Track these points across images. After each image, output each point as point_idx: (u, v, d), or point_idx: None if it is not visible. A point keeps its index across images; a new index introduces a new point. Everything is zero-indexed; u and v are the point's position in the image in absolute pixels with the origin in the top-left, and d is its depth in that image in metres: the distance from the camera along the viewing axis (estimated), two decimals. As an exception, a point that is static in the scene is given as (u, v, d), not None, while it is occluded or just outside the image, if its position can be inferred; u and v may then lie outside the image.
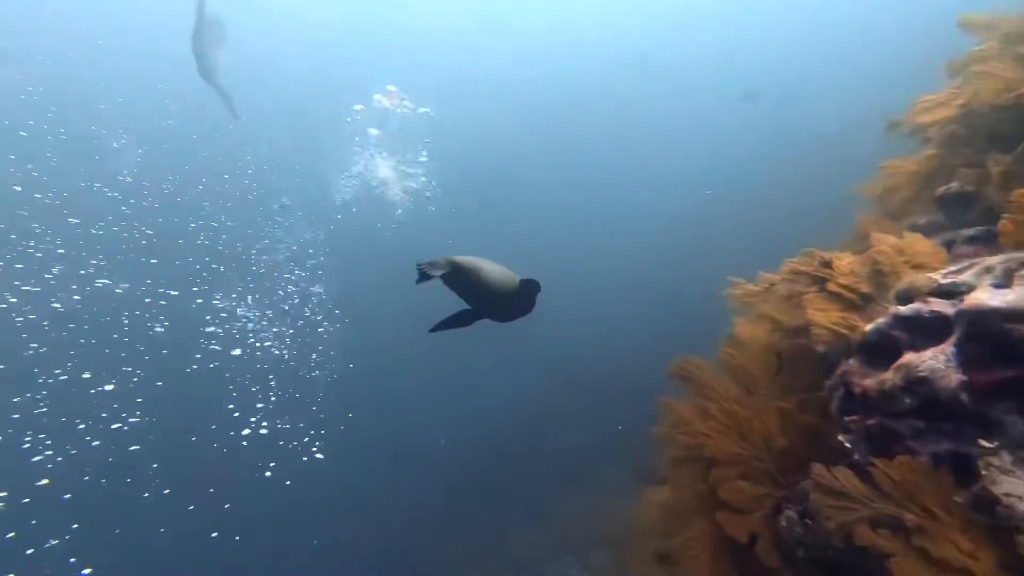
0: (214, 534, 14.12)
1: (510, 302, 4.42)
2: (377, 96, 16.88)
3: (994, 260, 2.45)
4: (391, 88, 17.11)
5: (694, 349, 3.65)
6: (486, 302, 4.40)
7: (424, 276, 3.94)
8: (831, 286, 3.00)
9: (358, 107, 16.56)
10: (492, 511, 12.10)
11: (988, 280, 2.39)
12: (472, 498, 12.84)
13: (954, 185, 4.02)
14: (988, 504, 2.05)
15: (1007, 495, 2.01)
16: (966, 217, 4.08)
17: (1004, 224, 2.65)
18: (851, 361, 2.86)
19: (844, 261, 3.02)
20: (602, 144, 27.88)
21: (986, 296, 2.29)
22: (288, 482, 16.08)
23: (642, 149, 27.72)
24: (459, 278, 4.16)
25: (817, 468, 2.49)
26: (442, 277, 4.06)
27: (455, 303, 4.96)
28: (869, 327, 2.76)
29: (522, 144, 28.01)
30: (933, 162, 4.22)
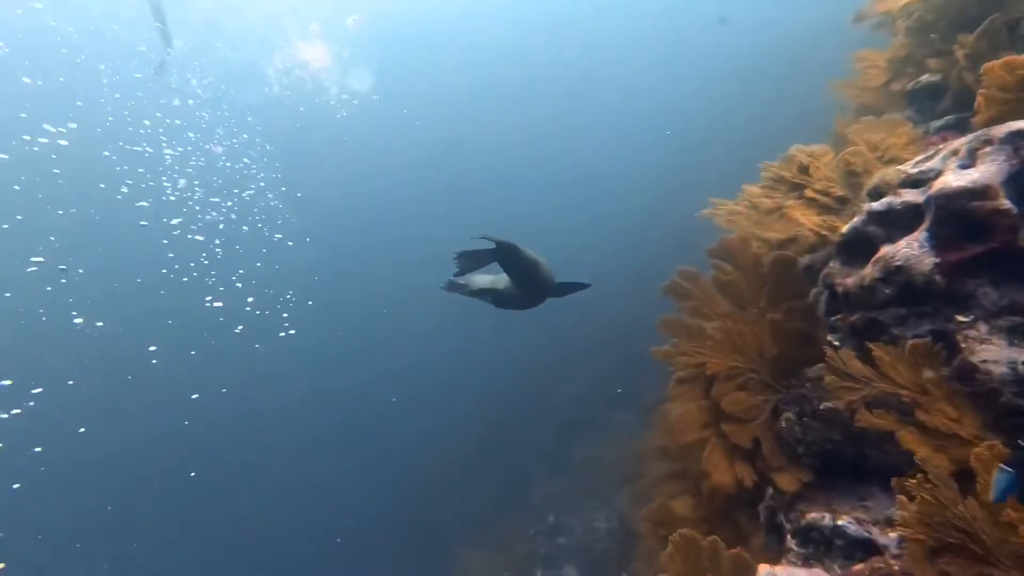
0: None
1: (541, 297, 4.66)
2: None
3: (960, 142, 2.49)
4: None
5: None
6: (527, 295, 4.61)
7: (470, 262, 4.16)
8: (808, 192, 3.04)
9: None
10: (511, 465, 12.44)
11: (955, 162, 2.43)
12: (491, 455, 13.16)
13: (923, 78, 4.01)
14: (968, 372, 2.16)
15: (984, 362, 2.12)
16: (937, 109, 4.09)
17: (978, 101, 2.67)
18: (832, 263, 2.93)
19: (822, 161, 3.05)
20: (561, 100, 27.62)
21: (952, 178, 2.34)
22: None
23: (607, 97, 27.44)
24: (517, 263, 4.30)
25: (828, 351, 2.56)
26: (499, 254, 4.14)
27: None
28: (845, 227, 2.82)
29: (483, 112, 27.74)
30: (903, 51, 4.19)
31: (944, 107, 3.92)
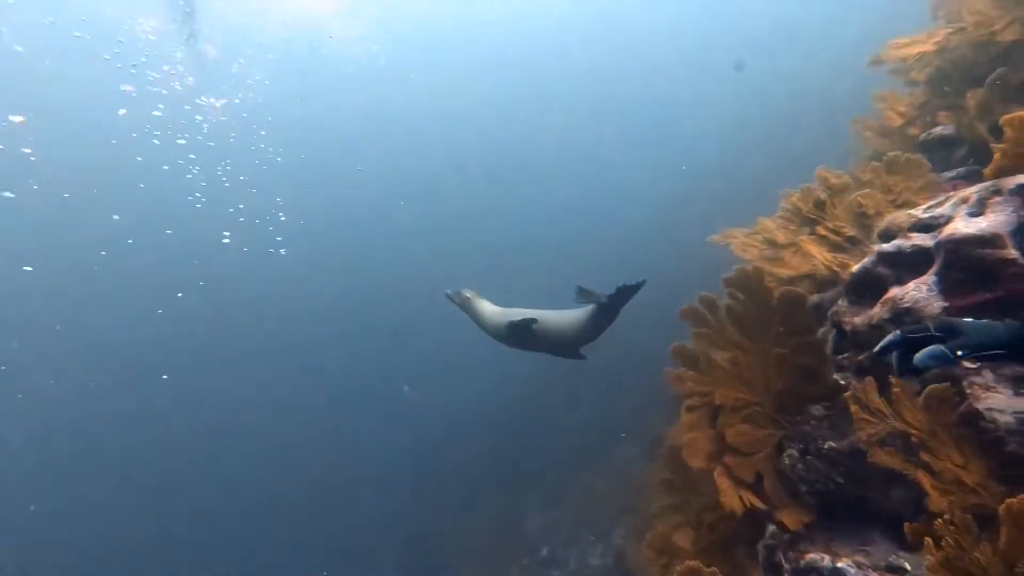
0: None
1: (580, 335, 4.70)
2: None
3: (970, 190, 2.54)
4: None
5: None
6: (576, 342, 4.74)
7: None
8: (820, 230, 3.09)
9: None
10: (509, 495, 12.26)
11: (964, 210, 2.48)
12: (490, 480, 12.99)
13: (936, 130, 4.08)
14: (973, 419, 2.16)
15: (989, 409, 2.12)
16: (949, 160, 4.16)
17: (996, 153, 2.71)
18: (840, 302, 2.96)
19: (839, 198, 3.09)
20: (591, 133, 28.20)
21: (962, 225, 2.38)
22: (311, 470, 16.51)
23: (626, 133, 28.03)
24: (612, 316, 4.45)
25: (853, 383, 2.56)
26: (614, 303, 4.28)
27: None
28: (856, 267, 2.85)
29: (505, 132, 28.38)
30: (920, 99, 4.28)
31: (958, 158, 3.99)
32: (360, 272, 25.44)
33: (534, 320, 4.54)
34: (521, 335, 4.69)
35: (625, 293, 4.22)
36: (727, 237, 3.93)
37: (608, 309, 4.38)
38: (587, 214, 25.53)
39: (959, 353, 1.55)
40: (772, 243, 4.01)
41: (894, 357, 1.69)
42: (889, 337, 1.70)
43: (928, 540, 1.92)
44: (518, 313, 4.81)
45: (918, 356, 1.60)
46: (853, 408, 2.51)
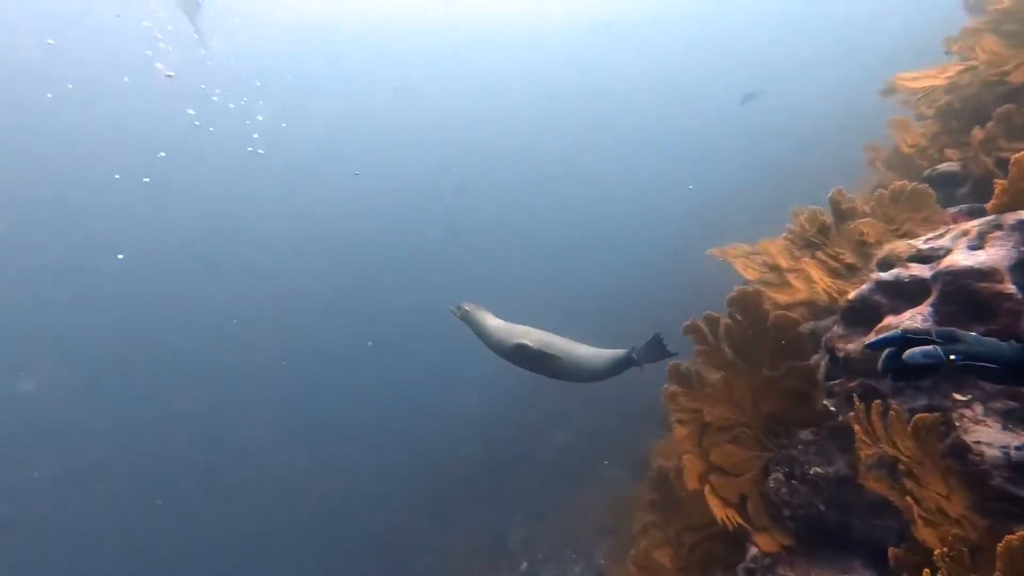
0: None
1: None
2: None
3: (971, 224, 2.55)
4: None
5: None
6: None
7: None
8: (820, 255, 3.09)
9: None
10: (492, 510, 12.14)
11: (964, 243, 2.48)
12: (474, 494, 12.88)
13: (941, 166, 4.10)
14: (961, 452, 2.14)
15: (977, 443, 2.10)
16: (954, 197, 4.17)
17: (996, 188, 2.71)
18: (835, 328, 2.95)
19: (844, 225, 3.09)
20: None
21: (961, 257, 2.38)
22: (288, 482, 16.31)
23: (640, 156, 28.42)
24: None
25: (858, 405, 2.52)
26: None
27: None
28: (853, 294, 2.85)
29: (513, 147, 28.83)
30: (930, 131, 4.30)
31: (962, 195, 4.00)
32: (354, 276, 25.56)
33: (550, 356, 4.42)
34: (525, 357, 4.62)
35: (653, 354, 4.16)
36: (726, 253, 3.92)
37: (628, 362, 4.33)
38: (591, 231, 25.68)
39: (952, 357, 1.50)
40: (773, 267, 4.02)
41: (885, 353, 1.63)
42: (887, 333, 1.66)
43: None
44: (522, 331, 4.75)
45: (909, 352, 1.54)
46: (856, 428, 2.47)
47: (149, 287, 22.61)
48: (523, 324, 4.93)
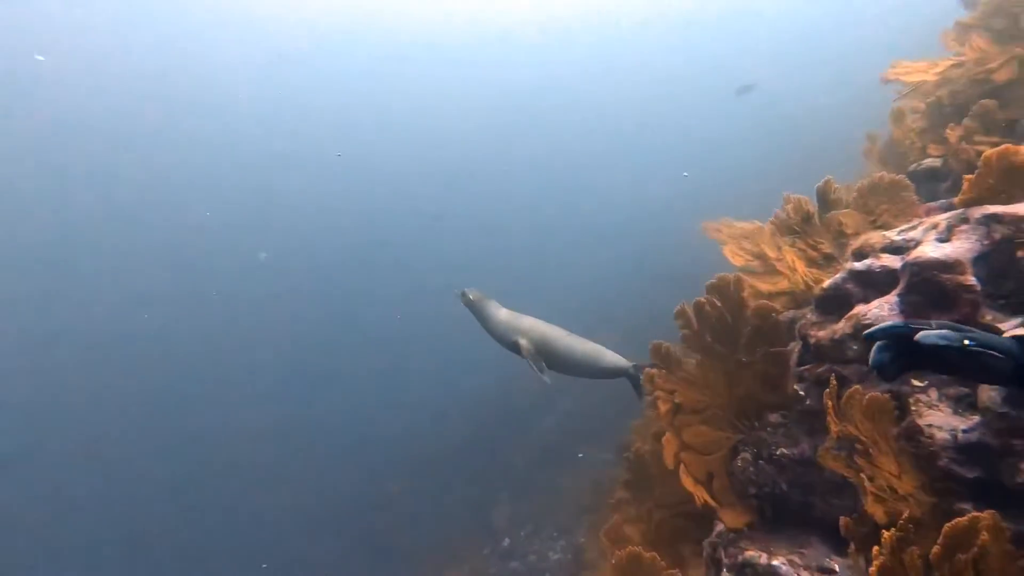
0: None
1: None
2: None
3: (941, 217, 2.61)
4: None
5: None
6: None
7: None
8: (799, 244, 3.16)
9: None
10: (478, 489, 12.35)
11: (934, 235, 2.55)
12: (460, 473, 13.08)
13: (925, 161, 4.16)
14: (914, 434, 2.24)
15: (929, 426, 2.20)
16: (936, 192, 4.24)
17: (964, 184, 2.78)
18: (808, 315, 3.03)
19: (828, 215, 3.15)
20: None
21: (929, 249, 2.46)
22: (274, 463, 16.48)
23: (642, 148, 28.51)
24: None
25: (832, 381, 2.60)
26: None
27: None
28: (827, 282, 2.93)
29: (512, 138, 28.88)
30: (918, 125, 4.35)
31: (943, 190, 4.06)
32: (342, 263, 25.65)
33: (544, 358, 4.62)
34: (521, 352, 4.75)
35: None
36: (719, 229, 3.98)
37: (625, 375, 4.59)
38: (577, 227, 25.83)
39: (967, 342, 1.52)
40: (759, 255, 4.09)
41: (879, 344, 1.65)
42: (888, 323, 1.68)
43: (852, 545, 1.99)
44: (527, 326, 4.84)
45: (925, 334, 1.54)
46: (829, 408, 2.56)
47: (149, 286, 22.70)
48: (529, 314, 5.06)
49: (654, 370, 3.45)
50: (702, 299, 3.46)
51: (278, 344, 21.86)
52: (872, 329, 1.76)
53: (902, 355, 1.67)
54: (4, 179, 21.56)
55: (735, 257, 4.26)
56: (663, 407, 3.37)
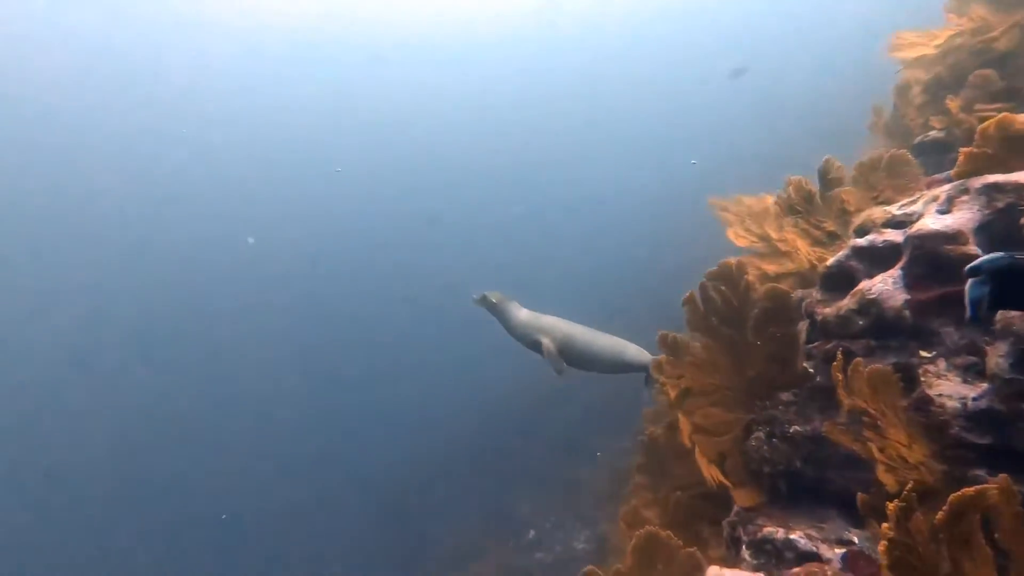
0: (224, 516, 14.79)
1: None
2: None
3: (941, 189, 2.63)
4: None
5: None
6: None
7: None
8: (802, 223, 3.18)
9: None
10: (501, 484, 12.47)
11: (934, 208, 2.57)
12: (483, 469, 13.21)
13: (930, 134, 4.14)
14: (924, 404, 2.27)
15: (939, 395, 2.23)
16: (942, 164, 4.21)
17: (960, 155, 2.80)
18: (814, 293, 3.06)
19: (830, 193, 3.17)
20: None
21: (930, 221, 2.48)
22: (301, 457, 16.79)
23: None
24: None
25: (839, 360, 2.63)
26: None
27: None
28: (831, 260, 2.95)
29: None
30: (919, 101, 4.32)
31: (949, 161, 4.03)
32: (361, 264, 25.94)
33: (565, 359, 4.73)
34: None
35: None
36: (725, 207, 4.01)
37: (641, 371, 4.70)
38: (587, 215, 25.83)
39: None
40: (763, 236, 4.11)
41: (975, 280, 1.64)
42: (991, 255, 1.67)
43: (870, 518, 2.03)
44: (549, 325, 4.91)
45: None
46: (838, 377, 2.59)
47: (149, 287, 23.20)
48: (550, 314, 5.15)
49: (662, 357, 3.50)
50: (706, 282, 3.50)
51: (304, 346, 22.28)
52: (975, 262, 1.76)
53: (999, 290, 1.70)
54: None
55: (739, 239, 4.29)
56: (672, 392, 3.42)
